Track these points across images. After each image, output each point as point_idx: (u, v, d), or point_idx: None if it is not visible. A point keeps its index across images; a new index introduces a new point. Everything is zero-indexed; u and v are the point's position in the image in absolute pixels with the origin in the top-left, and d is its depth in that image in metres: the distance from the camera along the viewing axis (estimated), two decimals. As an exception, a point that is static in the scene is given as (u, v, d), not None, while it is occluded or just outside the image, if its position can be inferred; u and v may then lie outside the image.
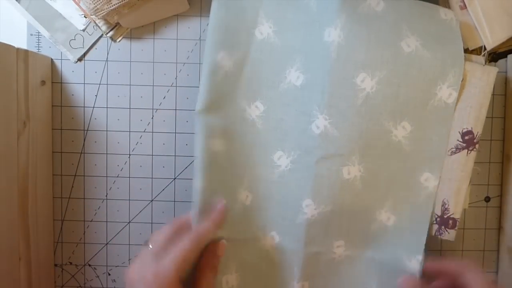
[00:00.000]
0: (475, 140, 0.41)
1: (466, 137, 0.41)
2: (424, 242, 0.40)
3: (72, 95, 0.45)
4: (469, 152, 0.41)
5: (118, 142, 0.45)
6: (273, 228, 0.42)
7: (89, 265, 0.47)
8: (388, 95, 0.39)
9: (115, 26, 0.44)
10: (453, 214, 0.41)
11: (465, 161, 0.41)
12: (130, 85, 0.45)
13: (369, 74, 0.39)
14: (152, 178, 0.46)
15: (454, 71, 0.40)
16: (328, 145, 0.39)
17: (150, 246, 0.36)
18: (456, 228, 0.42)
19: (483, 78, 0.40)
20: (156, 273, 0.32)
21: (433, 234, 0.42)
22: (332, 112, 0.38)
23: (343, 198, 0.40)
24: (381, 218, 0.42)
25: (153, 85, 0.45)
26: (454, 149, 0.42)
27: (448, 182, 0.42)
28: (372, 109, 0.39)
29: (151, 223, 0.46)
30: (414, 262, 0.40)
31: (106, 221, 0.46)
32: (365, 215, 0.41)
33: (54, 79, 0.45)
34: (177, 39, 0.45)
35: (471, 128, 0.41)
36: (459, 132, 0.41)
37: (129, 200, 0.46)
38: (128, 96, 0.45)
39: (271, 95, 0.41)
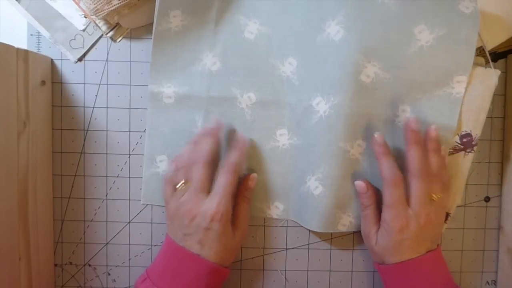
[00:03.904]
0: (473, 143, 0.41)
1: (465, 140, 0.41)
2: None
3: (72, 95, 0.45)
4: (466, 153, 0.41)
5: (118, 142, 0.45)
6: (250, 89, 0.43)
7: (89, 265, 0.47)
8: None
9: (115, 26, 0.44)
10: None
11: (462, 162, 0.42)
12: (130, 85, 0.45)
13: (375, 61, 0.40)
14: (152, 178, 0.46)
15: (458, 78, 0.40)
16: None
17: (172, 168, 0.41)
18: (447, 221, 0.43)
19: (484, 81, 0.40)
20: (217, 210, 0.38)
21: None
22: None
23: None
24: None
25: (153, 85, 0.45)
26: (452, 150, 0.42)
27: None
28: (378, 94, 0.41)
29: (151, 223, 0.46)
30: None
31: (106, 221, 0.46)
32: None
33: (54, 79, 0.45)
34: (177, 39, 0.45)
35: (470, 131, 0.41)
36: (457, 134, 0.41)
37: (129, 200, 0.46)
38: (128, 96, 0.45)
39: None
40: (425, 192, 0.38)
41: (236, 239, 0.41)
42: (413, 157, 0.38)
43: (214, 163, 0.40)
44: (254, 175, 0.43)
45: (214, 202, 0.38)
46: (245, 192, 0.42)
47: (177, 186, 0.40)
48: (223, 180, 0.39)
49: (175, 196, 0.40)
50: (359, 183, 0.41)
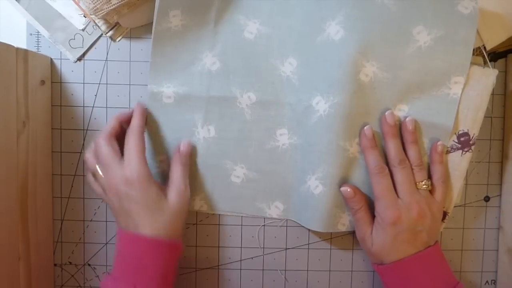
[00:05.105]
0: (471, 142, 0.41)
1: (462, 139, 0.41)
2: None
3: (72, 94, 0.45)
4: (463, 153, 0.41)
5: (118, 142, 0.45)
6: (250, 89, 0.43)
7: (89, 265, 0.47)
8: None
9: (115, 25, 0.44)
10: (443, 207, 0.42)
11: (459, 161, 0.42)
12: (129, 85, 0.45)
13: (374, 60, 0.40)
14: (152, 178, 0.46)
15: (455, 79, 0.40)
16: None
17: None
18: (445, 220, 0.43)
19: (482, 80, 0.40)
20: (129, 173, 0.37)
21: None
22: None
23: None
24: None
25: (152, 85, 0.45)
26: (450, 149, 0.42)
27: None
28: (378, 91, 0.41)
29: (151, 223, 0.46)
30: None
31: (106, 221, 0.46)
32: None
33: (53, 79, 0.45)
34: (176, 38, 0.45)
35: (468, 130, 0.41)
36: (455, 133, 0.41)
37: (129, 200, 0.46)
38: (128, 96, 0.45)
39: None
40: (407, 178, 0.39)
41: (170, 202, 0.39)
42: (390, 148, 0.40)
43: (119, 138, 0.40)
44: (187, 141, 0.42)
45: (125, 167, 0.37)
46: (177, 155, 0.41)
47: (97, 171, 0.39)
48: (129, 144, 0.38)
49: (98, 181, 0.39)
50: (345, 189, 0.40)
